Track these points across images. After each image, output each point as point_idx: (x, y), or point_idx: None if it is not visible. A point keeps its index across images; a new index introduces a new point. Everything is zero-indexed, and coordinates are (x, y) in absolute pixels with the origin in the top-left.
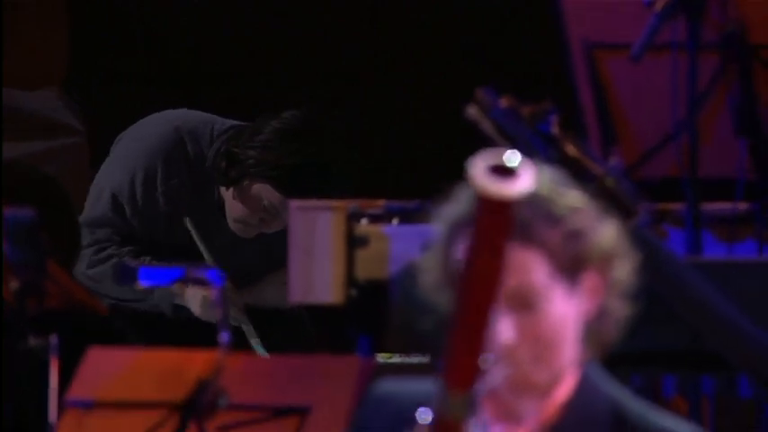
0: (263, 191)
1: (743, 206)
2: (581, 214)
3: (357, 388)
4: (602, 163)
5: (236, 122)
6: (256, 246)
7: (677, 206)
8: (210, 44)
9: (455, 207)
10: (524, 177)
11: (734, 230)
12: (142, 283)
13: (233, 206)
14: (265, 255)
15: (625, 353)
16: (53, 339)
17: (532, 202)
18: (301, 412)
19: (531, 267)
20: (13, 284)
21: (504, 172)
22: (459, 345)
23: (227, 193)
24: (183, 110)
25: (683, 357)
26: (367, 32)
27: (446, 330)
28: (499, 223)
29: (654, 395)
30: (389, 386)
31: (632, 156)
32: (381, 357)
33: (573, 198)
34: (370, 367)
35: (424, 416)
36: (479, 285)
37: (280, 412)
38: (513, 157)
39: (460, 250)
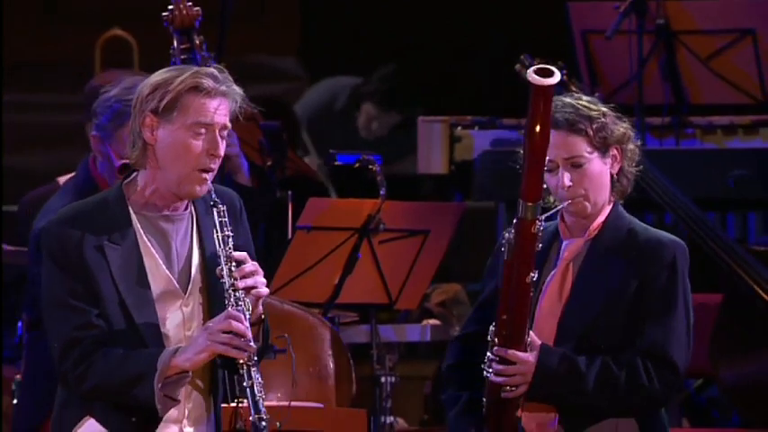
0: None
1: (667, 119)
2: (606, 116)
3: (455, 221)
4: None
5: None
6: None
7: (631, 119)
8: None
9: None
10: (555, 76)
11: (663, 133)
12: (339, 161)
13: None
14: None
15: (643, 200)
16: (290, 193)
17: (579, 113)
18: (425, 233)
19: (577, 145)
20: (268, 163)
21: (545, 74)
22: (529, 173)
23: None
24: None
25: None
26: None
27: (522, 168)
28: (544, 100)
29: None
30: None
31: (607, 92)
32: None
33: (601, 109)
34: (462, 209)
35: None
36: (537, 140)
37: (412, 233)
38: (548, 68)
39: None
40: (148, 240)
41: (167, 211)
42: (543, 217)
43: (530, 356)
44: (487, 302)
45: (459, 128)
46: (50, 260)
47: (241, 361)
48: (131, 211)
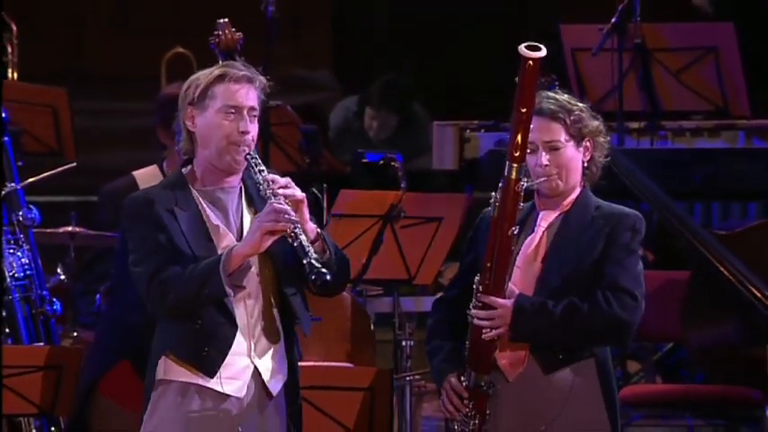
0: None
1: (643, 124)
2: (583, 111)
3: (464, 209)
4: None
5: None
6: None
7: (613, 123)
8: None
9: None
10: (541, 51)
11: (639, 135)
12: (367, 159)
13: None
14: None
15: (623, 192)
16: (325, 186)
17: (560, 104)
18: (439, 220)
19: (556, 131)
20: (307, 160)
21: (533, 49)
22: (515, 137)
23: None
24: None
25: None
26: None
27: (509, 135)
28: (531, 72)
29: None
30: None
31: (593, 100)
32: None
33: (579, 105)
34: (471, 200)
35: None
36: (524, 108)
37: (428, 219)
38: (536, 45)
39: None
40: (208, 207)
41: (221, 184)
42: (524, 185)
43: (508, 302)
44: (467, 270)
45: (468, 131)
46: (136, 223)
47: (288, 230)
48: (192, 189)
